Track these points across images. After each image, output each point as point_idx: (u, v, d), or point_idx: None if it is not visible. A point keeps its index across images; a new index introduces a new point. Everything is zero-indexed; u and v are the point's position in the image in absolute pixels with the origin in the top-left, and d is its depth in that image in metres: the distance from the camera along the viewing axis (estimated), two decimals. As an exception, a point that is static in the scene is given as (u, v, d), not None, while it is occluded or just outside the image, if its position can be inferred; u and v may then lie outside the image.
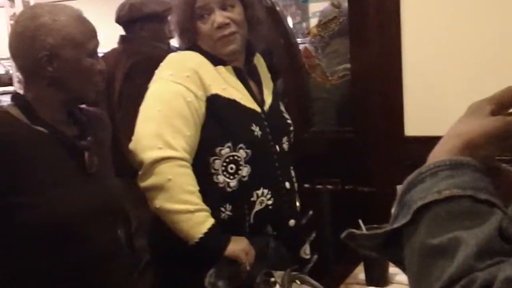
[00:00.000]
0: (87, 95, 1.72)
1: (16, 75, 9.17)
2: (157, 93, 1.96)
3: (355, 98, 2.58)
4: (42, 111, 1.67)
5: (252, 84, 2.10)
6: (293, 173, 2.15)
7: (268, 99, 2.12)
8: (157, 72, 2.01)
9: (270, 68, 2.33)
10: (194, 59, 2.00)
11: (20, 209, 1.58)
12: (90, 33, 1.71)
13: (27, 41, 1.65)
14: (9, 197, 1.57)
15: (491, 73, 2.38)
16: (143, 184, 1.88)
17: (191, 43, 2.05)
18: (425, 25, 2.45)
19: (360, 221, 2.09)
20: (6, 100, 7.33)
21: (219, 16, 1.98)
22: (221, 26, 1.98)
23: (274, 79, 2.35)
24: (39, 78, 1.69)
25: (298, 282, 1.75)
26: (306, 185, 2.68)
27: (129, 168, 1.95)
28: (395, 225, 0.93)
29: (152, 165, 1.86)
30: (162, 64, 2.02)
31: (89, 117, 1.81)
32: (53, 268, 1.62)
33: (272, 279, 1.77)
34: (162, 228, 1.92)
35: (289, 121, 2.18)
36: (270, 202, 2.00)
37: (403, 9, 2.44)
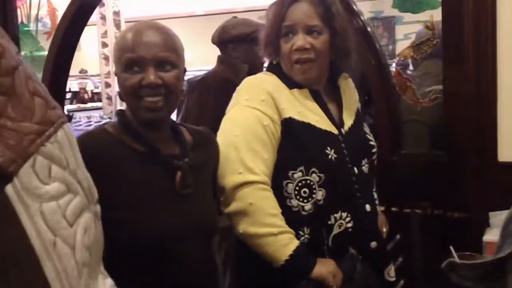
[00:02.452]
0: (136, 114, 1.69)
1: (105, 92, 9.53)
2: (234, 118, 1.98)
3: (448, 121, 2.52)
4: (139, 127, 1.71)
5: (331, 106, 2.09)
6: (375, 195, 2.12)
7: (348, 120, 2.10)
8: (234, 96, 2.04)
9: (364, 90, 2.33)
10: (270, 82, 2.01)
11: (115, 225, 1.61)
12: (127, 47, 1.65)
13: None
14: (107, 213, 1.61)
15: None
16: (227, 209, 1.90)
17: (273, 59, 2.07)
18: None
19: (451, 248, 2.04)
20: (96, 115, 7.62)
21: (300, 39, 1.98)
22: (299, 49, 1.99)
23: (366, 101, 2.33)
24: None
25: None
26: (394, 209, 2.64)
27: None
28: (500, 255, 0.90)
29: (233, 190, 1.88)
30: (239, 88, 2.05)
31: (195, 136, 1.84)
32: (144, 285, 1.65)
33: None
34: (246, 251, 1.93)
35: (372, 143, 2.15)
36: (350, 225, 1.98)
37: (499, 32, 2.38)
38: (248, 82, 2.06)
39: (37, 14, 3.51)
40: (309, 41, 1.99)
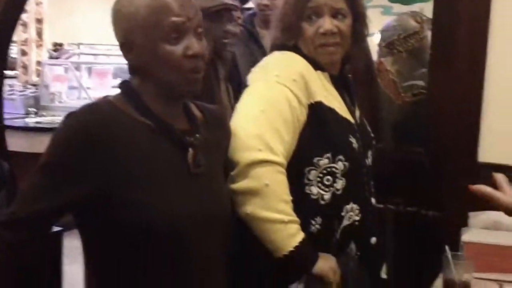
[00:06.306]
0: (176, 87, 1.51)
1: (21, 60, 9.06)
2: (262, 92, 1.85)
3: (429, 118, 2.49)
4: (148, 101, 1.54)
5: (344, 94, 2.01)
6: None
7: (357, 110, 2.04)
8: (259, 70, 1.92)
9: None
10: (300, 62, 1.90)
11: (123, 206, 1.46)
12: (171, 10, 1.46)
13: (113, 27, 1.54)
14: (113, 195, 1.46)
15: None
16: (236, 186, 1.76)
17: (291, 42, 1.95)
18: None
19: (447, 247, 2.00)
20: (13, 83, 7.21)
21: (328, 23, 1.89)
22: (327, 33, 1.89)
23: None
24: (129, 66, 1.58)
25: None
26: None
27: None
28: None
29: (248, 166, 1.74)
30: (265, 63, 1.93)
31: (205, 114, 1.69)
32: (152, 271, 1.50)
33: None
34: (244, 236, 1.82)
35: (372, 135, 2.10)
36: (357, 217, 1.91)
37: (491, 32, 2.36)
38: (278, 59, 1.94)
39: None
40: (336, 25, 1.89)
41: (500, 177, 1.21)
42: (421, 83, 2.52)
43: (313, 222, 1.85)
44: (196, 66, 1.51)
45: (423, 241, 2.46)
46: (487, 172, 2.42)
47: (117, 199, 1.45)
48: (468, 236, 2.31)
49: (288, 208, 1.77)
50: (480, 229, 2.34)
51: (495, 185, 1.19)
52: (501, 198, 1.18)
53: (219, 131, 1.71)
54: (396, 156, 2.59)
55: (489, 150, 2.43)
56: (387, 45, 2.59)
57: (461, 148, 2.45)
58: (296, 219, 1.78)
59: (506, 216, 2.36)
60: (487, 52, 2.37)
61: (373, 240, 1.97)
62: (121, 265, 1.50)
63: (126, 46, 1.52)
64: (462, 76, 2.40)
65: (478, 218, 2.37)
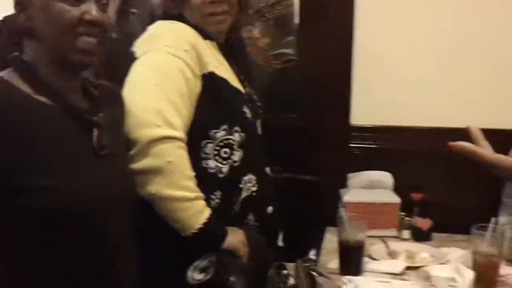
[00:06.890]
0: (67, 54, 1.39)
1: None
2: (154, 64, 1.74)
3: (300, 84, 2.51)
4: (44, 74, 1.40)
5: (232, 63, 1.96)
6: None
7: (244, 79, 2.00)
8: (147, 41, 1.80)
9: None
10: (189, 31, 1.81)
11: (25, 192, 1.32)
12: None
13: None
14: (13, 179, 1.31)
15: (444, 66, 2.43)
16: (137, 165, 1.64)
17: (176, 11, 1.86)
18: (378, 15, 2.44)
19: (342, 209, 2.02)
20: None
21: None
22: (215, 2, 1.82)
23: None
24: (21, 30, 1.42)
25: (315, 274, 1.65)
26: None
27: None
28: None
29: (149, 144, 1.64)
30: (152, 34, 1.81)
31: (102, 91, 1.55)
32: (63, 254, 1.39)
33: (285, 272, 1.67)
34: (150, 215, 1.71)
35: (259, 104, 2.07)
36: (254, 188, 1.89)
37: (357, -4, 2.42)
38: (167, 28, 1.82)
39: None
40: None
41: (477, 131, 1.26)
42: (289, 51, 2.53)
43: (212, 196, 1.80)
44: (92, 34, 1.39)
45: (305, 206, 2.50)
46: (360, 133, 2.53)
47: (21, 185, 1.31)
48: (348, 196, 2.38)
49: (193, 184, 1.71)
50: (358, 189, 2.42)
51: (470, 139, 1.25)
52: (484, 153, 1.22)
53: (116, 108, 1.62)
54: (272, 124, 2.57)
55: (361, 112, 2.50)
56: (255, 12, 2.56)
57: (333, 111, 2.50)
58: (201, 194, 1.72)
59: (381, 174, 2.47)
60: (354, 16, 2.42)
61: (270, 209, 1.96)
62: (30, 252, 1.37)
63: (20, 5, 1.39)
64: (331, 40, 2.44)
65: (356, 178, 2.44)
